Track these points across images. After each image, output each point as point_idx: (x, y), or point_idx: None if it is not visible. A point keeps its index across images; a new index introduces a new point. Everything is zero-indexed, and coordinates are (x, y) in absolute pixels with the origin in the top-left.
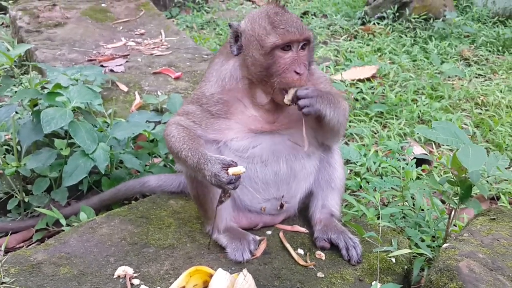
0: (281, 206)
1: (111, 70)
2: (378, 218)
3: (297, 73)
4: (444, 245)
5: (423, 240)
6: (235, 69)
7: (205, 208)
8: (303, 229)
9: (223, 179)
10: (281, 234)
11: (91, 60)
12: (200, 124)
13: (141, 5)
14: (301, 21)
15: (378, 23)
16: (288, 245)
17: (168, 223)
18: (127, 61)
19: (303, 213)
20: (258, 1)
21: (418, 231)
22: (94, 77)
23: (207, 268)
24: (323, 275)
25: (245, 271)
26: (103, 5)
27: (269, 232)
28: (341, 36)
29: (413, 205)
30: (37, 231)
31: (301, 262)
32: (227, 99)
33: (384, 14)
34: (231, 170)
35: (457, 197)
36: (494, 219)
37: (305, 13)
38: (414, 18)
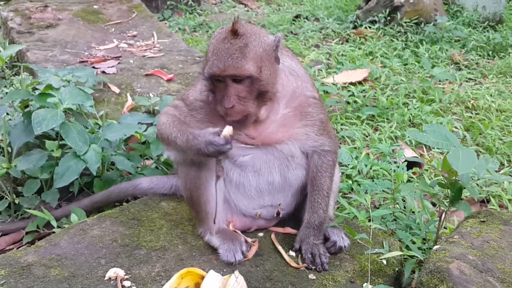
0: (278, 214)
1: (103, 72)
2: (369, 220)
3: (225, 107)
4: (435, 247)
5: (414, 243)
6: None
7: (197, 210)
8: (294, 231)
9: (220, 141)
10: (272, 236)
11: (83, 62)
12: (187, 122)
13: (134, 7)
14: (238, 54)
15: (370, 27)
16: (280, 247)
17: (159, 225)
18: (119, 63)
19: (295, 215)
20: (251, 4)
21: (409, 233)
22: (86, 78)
23: (198, 270)
24: (314, 277)
25: (236, 272)
26: (95, 6)
27: (261, 234)
28: (333, 40)
29: (404, 207)
30: (27, 233)
31: (293, 264)
32: (207, 109)
33: (376, 18)
34: (223, 133)
35: (448, 200)
36: (484, 221)
37: (297, 16)
38: (405, 22)
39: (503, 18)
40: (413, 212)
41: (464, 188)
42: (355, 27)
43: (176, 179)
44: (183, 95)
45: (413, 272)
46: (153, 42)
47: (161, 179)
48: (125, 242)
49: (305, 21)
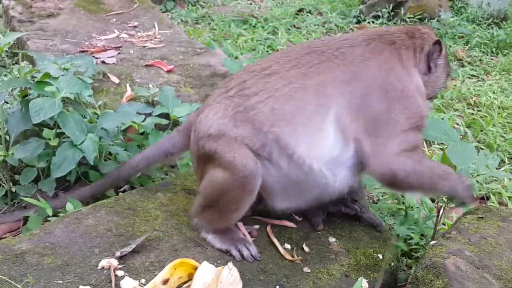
0: None
1: (103, 62)
2: None
3: None
4: (431, 242)
5: (411, 238)
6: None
7: (214, 211)
8: (291, 224)
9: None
10: (268, 228)
11: (83, 51)
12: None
13: None
14: None
15: (373, 22)
16: (275, 240)
17: (155, 215)
18: (119, 53)
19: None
20: None
21: (407, 229)
22: (85, 68)
23: (192, 261)
24: (309, 270)
25: (230, 264)
26: None
27: (256, 226)
28: (336, 34)
29: (403, 203)
30: (25, 223)
31: (288, 256)
32: None
33: (379, 13)
34: None
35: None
36: (482, 217)
37: (300, 10)
38: (409, 18)
39: (508, 15)
40: (412, 208)
41: None
42: (358, 22)
43: (176, 136)
44: (414, 118)
45: (409, 267)
46: (154, 33)
47: (156, 147)
48: (119, 232)
49: (308, 15)
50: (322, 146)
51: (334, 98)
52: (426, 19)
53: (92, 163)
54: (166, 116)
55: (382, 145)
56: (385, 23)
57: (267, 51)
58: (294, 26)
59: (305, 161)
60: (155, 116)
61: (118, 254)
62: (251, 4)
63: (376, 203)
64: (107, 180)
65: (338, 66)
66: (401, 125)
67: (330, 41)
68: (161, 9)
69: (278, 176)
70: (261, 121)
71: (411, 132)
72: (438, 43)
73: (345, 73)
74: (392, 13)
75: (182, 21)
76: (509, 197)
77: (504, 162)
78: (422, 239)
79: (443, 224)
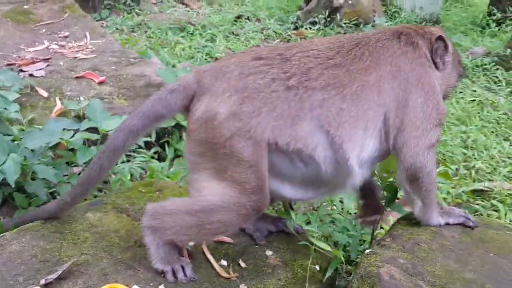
0: None
1: (31, 75)
2: (307, 224)
3: None
4: (366, 251)
5: (349, 245)
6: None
7: (192, 224)
8: (228, 239)
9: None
10: (203, 245)
11: (10, 65)
12: None
13: (66, 7)
14: None
15: (310, 28)
16: (210, 256)
17: (83, 237)
18: (48, 65)
19: None
20: (192, 4)
21: (346, 235)
22: (12, 82)
23: (121, 286)
24: (245, 287)
25: (161, 287)
26: (25, 6)
27: (191, 243)
28: (274, 40)
29: (342, 209)
30: None
31: (224, 274)
32: None
33: (316, 19)
34: None
35: (383, 201)
36: (416, 223)
37: (238, 17)
38: (345, 23)
39: (440, 19)
40: (350, 214)
41: (399, 189)
42: (296, 28)
43: (170, 98)
44: (437, 115)
45: (349, 274)
46: (86, 43)
47: (146, 112)
48: (45, 258)
49: (246, 22)
50: (369, 149)
51: (388, 95)
52: (361, 24)
53: (13, 185)
54: (95, 130)
55: (417, 139)
56: (322, 29)
57: (205, 59)
58: (233, 33)
59: (353, 167)
60: (84, 131)
61: (42, 282)
62: (188, 11)
63: (316, 210)
64: (83, 183)
65: (386, 58)
66: (433, 120)
67: (365, 34)
68: (95, 18)
69: (305, 174)
70: (328, 122)
71: (438, 127)
72: (440, 38)
73: (392, 66)
74: (329, 19)
75: (117, 29)
76: (444, 198)
77: (438, 163)
78: (361, 245)
79: (381, 227)
